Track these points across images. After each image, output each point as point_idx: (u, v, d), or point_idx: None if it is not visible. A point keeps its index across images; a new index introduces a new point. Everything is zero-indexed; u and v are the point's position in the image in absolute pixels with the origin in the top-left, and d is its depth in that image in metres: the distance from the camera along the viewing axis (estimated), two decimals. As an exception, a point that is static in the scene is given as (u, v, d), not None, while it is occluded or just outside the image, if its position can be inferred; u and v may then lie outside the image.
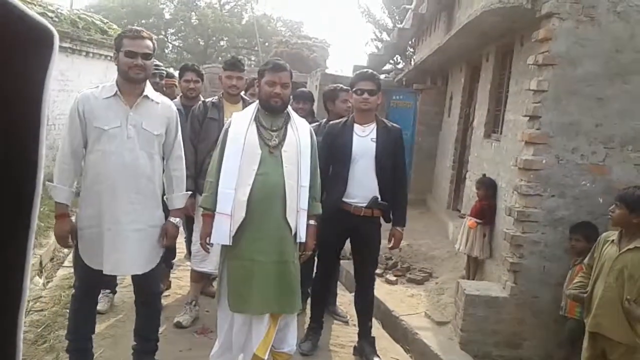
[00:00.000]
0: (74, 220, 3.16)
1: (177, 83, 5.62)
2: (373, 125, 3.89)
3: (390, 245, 4.09)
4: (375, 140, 3.83)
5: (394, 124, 4.05)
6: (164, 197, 3.30)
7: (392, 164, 3.89)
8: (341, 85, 4.81)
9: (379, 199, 3.82)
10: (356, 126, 3.89)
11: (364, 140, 3.84)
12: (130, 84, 3.10)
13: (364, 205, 3.82)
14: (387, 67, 18.24)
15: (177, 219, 3.30)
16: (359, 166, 3.83)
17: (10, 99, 0.60)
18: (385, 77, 15.52)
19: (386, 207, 3.87)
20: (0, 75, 0.58)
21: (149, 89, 3.19)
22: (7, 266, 0.63)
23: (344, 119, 4.03)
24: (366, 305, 4.07)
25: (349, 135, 3.85)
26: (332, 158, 3.86)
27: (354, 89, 3.86)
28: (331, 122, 4.14)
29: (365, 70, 4.07)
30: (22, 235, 0.63)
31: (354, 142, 3.83)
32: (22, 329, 0.65)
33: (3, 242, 0.62)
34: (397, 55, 19.15)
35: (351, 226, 3.87)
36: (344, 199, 3.83)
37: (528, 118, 4.63)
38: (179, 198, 3.33)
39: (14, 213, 0.62)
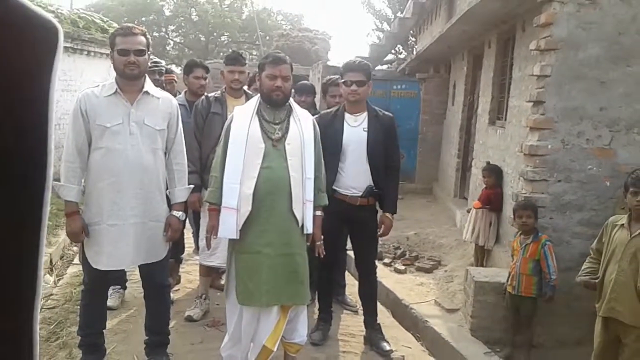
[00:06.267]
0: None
1: (176, 78, 5.64)
2: (364, 115, 3.88)
3: (379, 233, 4.02)
4: (367, 130, 3.83)
5: (386, 112, 4.03)
6: (167, 191, 3.33)
7: (384, 152, 3.87)
8: (333, 78, 4.79)
9: (373, 188, 3.82)
10: (347, 116, 3.88)
11: (356, 130, 3.84)
12: (128, 81, 3.12)
13: (360, 195, 3.83)
14: (389, 57, 18.19)
15: (180, 213, 3.33)
16: (352, 156, 3.82)
17: (18, 96, 0.60)
18: (388, 68, 15.49)
19: (381, 195, 3.88)
20: (5, 71, 0.59)
21: (149, 85, 3.21)
22: (21, 260, 0.64)
23: (334, 109, 4.02)
24: (369, 293, 4.08)
25: (339, 125, 3.84)
26: (324, 148, 3.82)
27: (342, 80, 3.84)
28: (322, 112, 4.15)
29: (354, 59, 4.02)
30: (34, 228, 0.64)
31: (345, 132, 3.83)
32: (38, 321, 0.66)
33: (16, 235, 0.63)
34: (398, 45, 19.11)
35: (348, 216, 3.88)
36: (337, 188, 3.83)
37: (532, 104, 4.61)
38: (181, 192, 3.36)
39: (25, 207, 0.63)
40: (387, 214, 3.97)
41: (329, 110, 4.06)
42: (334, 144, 3.80)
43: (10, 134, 0.60)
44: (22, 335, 0.65)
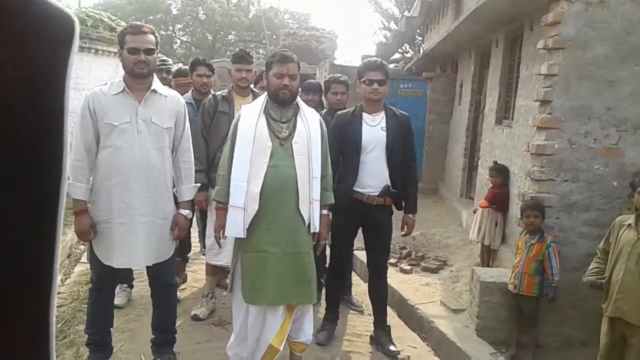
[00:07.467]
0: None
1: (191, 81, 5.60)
2: (382, 114, 3.89)
3: (403, 233, 4.10)
4: (385, 129, 3.84)
5: (403, 112, 4.04)
6: (174, 189, 3.34)
7: (402, 152, 3.89)
8: (335, 76, 4.81)
9: (390, 188, 3.83)
10: (365, 115, 3.88)
11: (375, 130, 3.84)
12: (137, 80, 3.12)
13: (377, 194, 3.83)
14: (396, 56, 18.15)
15: (187, 211, 3.34)
16: (371, 155, 3.83)
17: (36, 87, 0.61)
18: (395, 66, 15.45)
19: (397, 195, 3.88)
20: (25, 62, 0.59)
21: (156, 83, 3.22)
22: (39, 251, 0.65)
23: (351, 109, 4.02)
24: (381, 293, 4.08)
25: (358, 125, 3.85)
26: (343, 148, 3.85)
27: (362, 79, 3.85)
28: (339, 112, 4.14)
29: (373, 59, 4.05)
30: (52, 218, 0.65)
31: (364, 131, 3.83)
32: (55, 311, 0.67)
33: (34, 224, 0.63)
34: (405, 44, 19.06)
35: (364, 215, 3.88)
36: (356, 189, 3.83)
37: (539, 103, 4.60)
38: (188, 190, 3.36)
39: (43, 197, 0.64)
40: (410, 215, 4.04)
41: (346, 110, 4.07)
42: (354, 144, 3.82)
43: (29, 124, 0.61)
44: (39, 323, 0.66)
